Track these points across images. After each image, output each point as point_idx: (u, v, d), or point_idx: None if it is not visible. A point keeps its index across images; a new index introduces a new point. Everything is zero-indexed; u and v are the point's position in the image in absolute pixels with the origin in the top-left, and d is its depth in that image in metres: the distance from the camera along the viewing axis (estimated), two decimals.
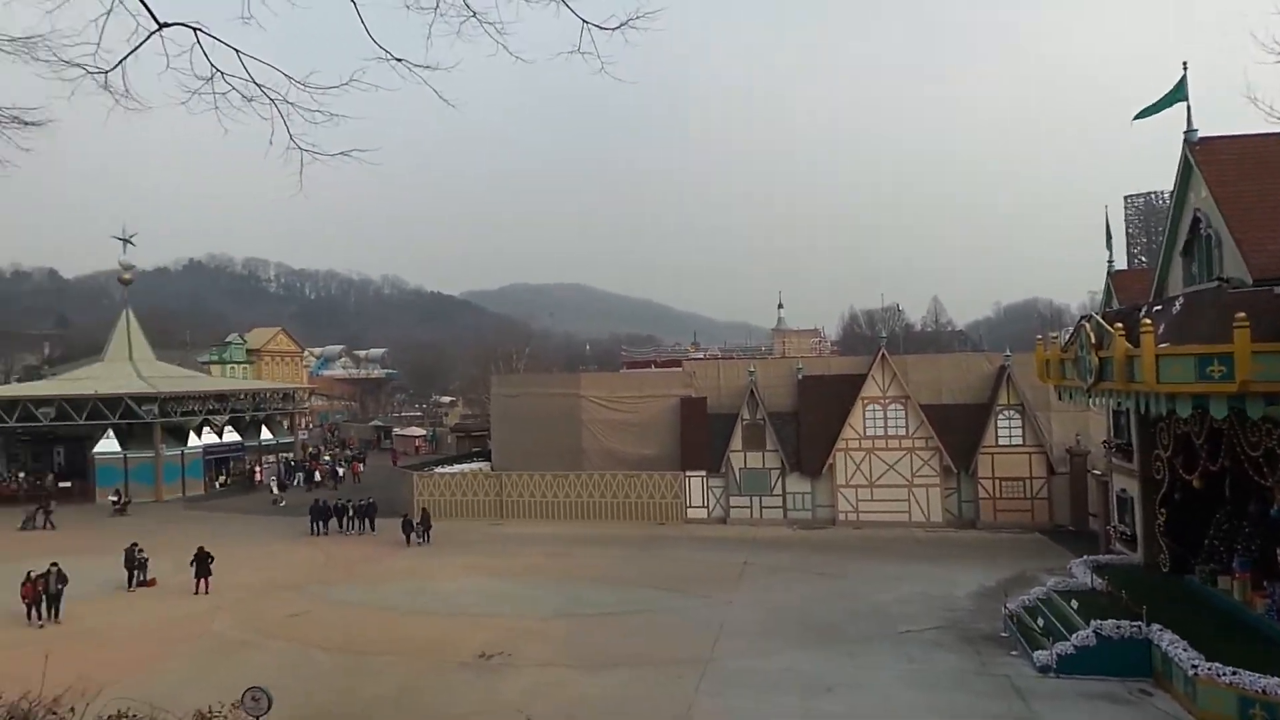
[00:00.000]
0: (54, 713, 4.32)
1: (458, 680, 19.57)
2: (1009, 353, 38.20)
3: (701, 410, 40.89)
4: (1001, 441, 37.07)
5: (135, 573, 29.14)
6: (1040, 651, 19.39)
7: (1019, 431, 37.01)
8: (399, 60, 8.31)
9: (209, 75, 8.12)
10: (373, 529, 38.28)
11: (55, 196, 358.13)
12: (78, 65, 7.90)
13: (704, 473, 39.89)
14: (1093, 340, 18.75)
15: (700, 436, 40.31)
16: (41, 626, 24.34)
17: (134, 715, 4.47)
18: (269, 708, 13.63)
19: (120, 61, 7.82)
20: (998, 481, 37.00)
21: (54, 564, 25.53)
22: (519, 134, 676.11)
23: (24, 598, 24.78)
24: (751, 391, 39.55)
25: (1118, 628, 18.51)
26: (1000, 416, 37.12)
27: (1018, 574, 28.04)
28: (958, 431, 37.23)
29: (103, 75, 7.94)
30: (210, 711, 3.90)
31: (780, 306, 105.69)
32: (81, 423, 50.00)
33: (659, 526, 38.84)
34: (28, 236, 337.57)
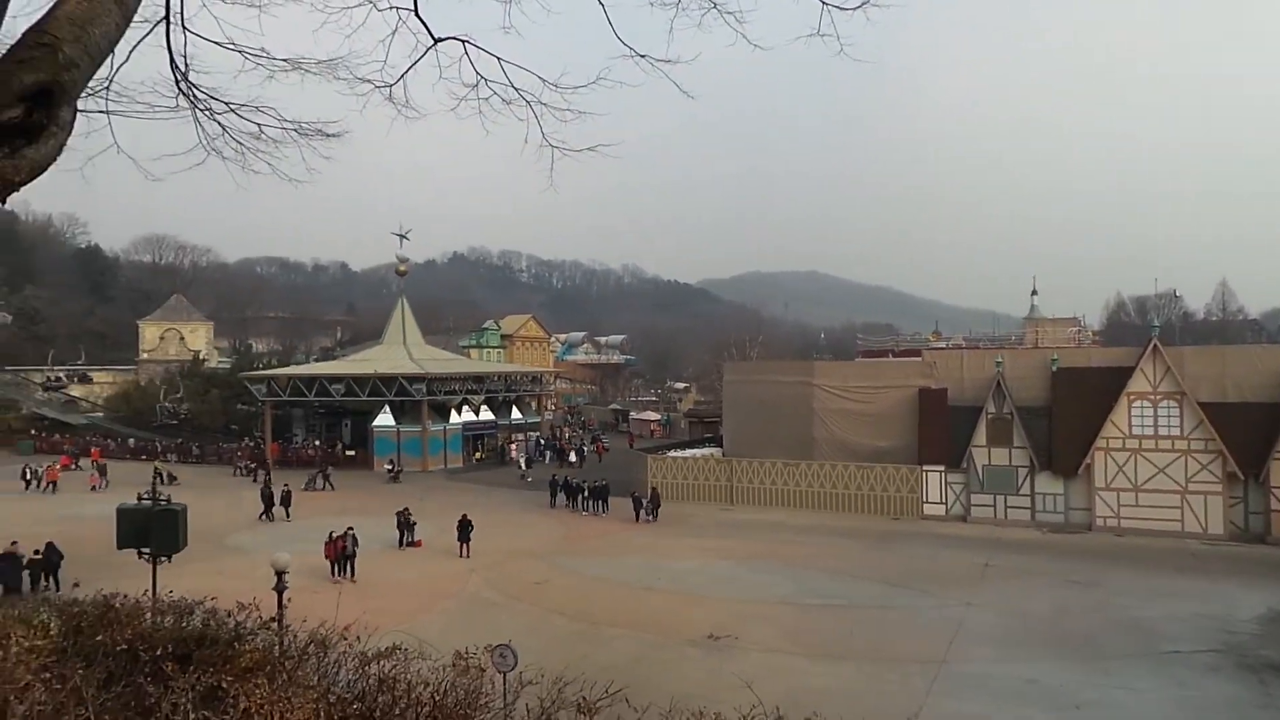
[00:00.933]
0: (344, 638, 5.14)
1: (686, 657, 20.17)
2: None
3: (942, 402, 38.98)
4: None
5: (405, 534, 32.56)
6: None
7: None
8: (642, 56, 8.69)
9: (474, 83, 8.99)
10: (605, 508, 39.87)
11: (346, 199, 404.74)
12: (368, 81, 9.07)
13: (943, 467, 38.06)
14: None
15: (940, 429, 38.45)
16: (338, 584, 26.21)
17: (405, 648, 5.19)
18: (515, 664, 14.77)
19: (402, 75, 8.90)
20: None
21: (350, 528, 27.98)
22: (752, 122, 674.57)
23: (327, 555, 27.29)
24: (998, 383, 37.14)
25: None
26: None
27: None
28: (1246, 433, 32.77)
29: (388, 89, 9.07)
30: (467, 653, 4.47)
31: (1034, 293, 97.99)
32: (364, 398, 56.51)
33: (893, 521, 37.59)
34: (326, 235, 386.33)
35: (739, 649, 20.63)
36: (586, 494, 40.57)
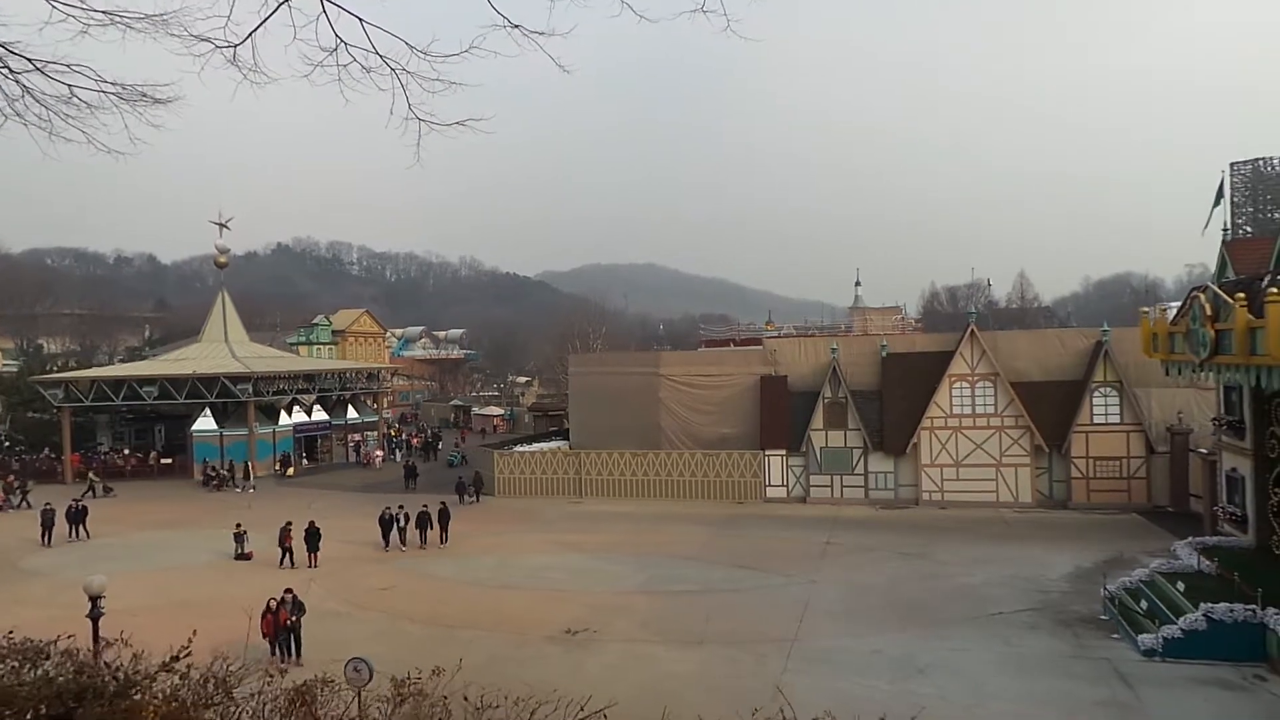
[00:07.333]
0: (168, 667, 4.47)
1: (545, 654, 19.78)
2: (1106, 328, 36.63)
3: (782, 389, 40.42)
4: (1097, 420, 35.68)
5: (240, 545, 30.22)
6: (1145, 635, 18.62)
7: (1116, 410, 35.57)
8: (516, 27, 8.11)
9: (333, 47, 8.10)
10: (444, 539, 32.61)
11: (152, 185, 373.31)
12: (207, 40, 7.92)
13: (784, 451, 39.48)
14: (1208, 312, 17.76)
15: (780, 415, 39.87)
16: (284, 671, 19.69)
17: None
18: (370, 678, 13.92)
19: (249, 34, 7.84)
20: (1092, 461, 35.67)
21: (289, 590, 20.92)
22: (587, 111, 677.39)
23: (264, 632, 20.01)
24: (834, 369, 38.89)
25: (1230, 611, 17.64)
26: (1096, 394, 35.71)
27: (1114, 556, 27.03)
28: (1050, 410, 35.98)
29: (232, 50, 7.97)
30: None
31: (858, 284, 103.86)
32: (181, 401, 52.18)
33: (738, 505, 38.64)
34: (129, 223, 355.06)
35: (598, 642, 20.49)
36: (403, 524, 32.41)
